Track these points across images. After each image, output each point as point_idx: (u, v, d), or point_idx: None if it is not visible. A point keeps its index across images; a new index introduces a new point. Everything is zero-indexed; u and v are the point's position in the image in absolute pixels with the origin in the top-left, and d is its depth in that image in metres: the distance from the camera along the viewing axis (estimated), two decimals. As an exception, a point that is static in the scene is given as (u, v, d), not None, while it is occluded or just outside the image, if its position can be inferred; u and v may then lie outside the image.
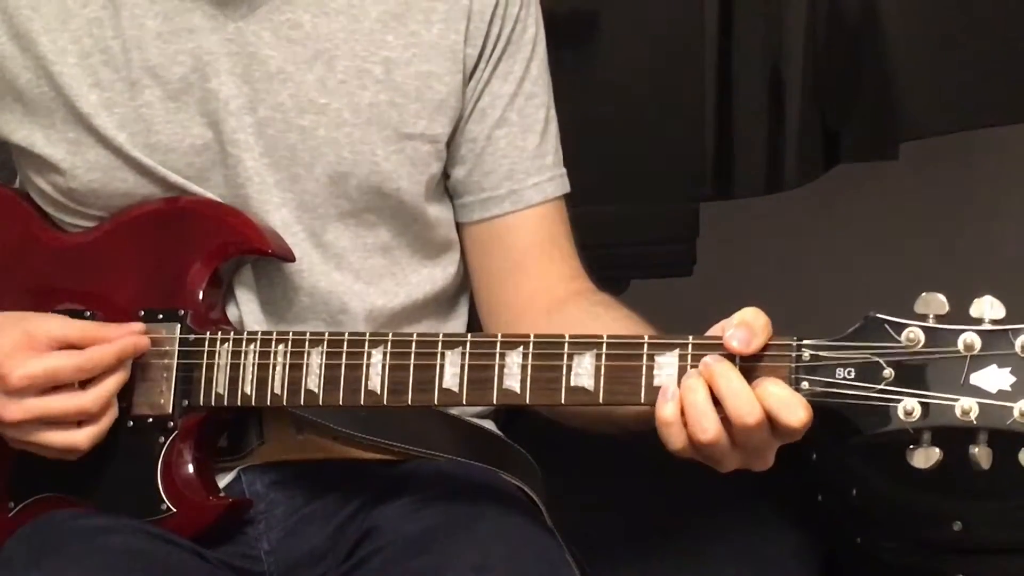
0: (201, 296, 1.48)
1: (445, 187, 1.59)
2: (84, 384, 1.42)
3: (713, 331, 1.31)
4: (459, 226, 1.60)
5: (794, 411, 1.25)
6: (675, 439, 1.28)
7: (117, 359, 1.42)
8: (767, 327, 1.28)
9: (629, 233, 2.15)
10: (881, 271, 2.69)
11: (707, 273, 2.22)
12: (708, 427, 1.26)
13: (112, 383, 1.42)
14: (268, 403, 1.43)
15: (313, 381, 1.41)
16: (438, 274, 1.59)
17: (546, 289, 1.56)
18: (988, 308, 1.22)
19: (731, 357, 1.28)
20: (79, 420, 1.41)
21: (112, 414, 1.43)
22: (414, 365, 1.38)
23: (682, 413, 1.28)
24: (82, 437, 1.42)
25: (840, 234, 2.94)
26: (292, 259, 1.50)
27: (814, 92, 2.21)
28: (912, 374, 1.23)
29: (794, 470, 2.52)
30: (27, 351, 1.40)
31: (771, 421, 1.26)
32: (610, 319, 1.47)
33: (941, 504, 2.27)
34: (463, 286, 1.62)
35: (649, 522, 2.65)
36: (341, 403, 1.40)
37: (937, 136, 2.34)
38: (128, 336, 1.44)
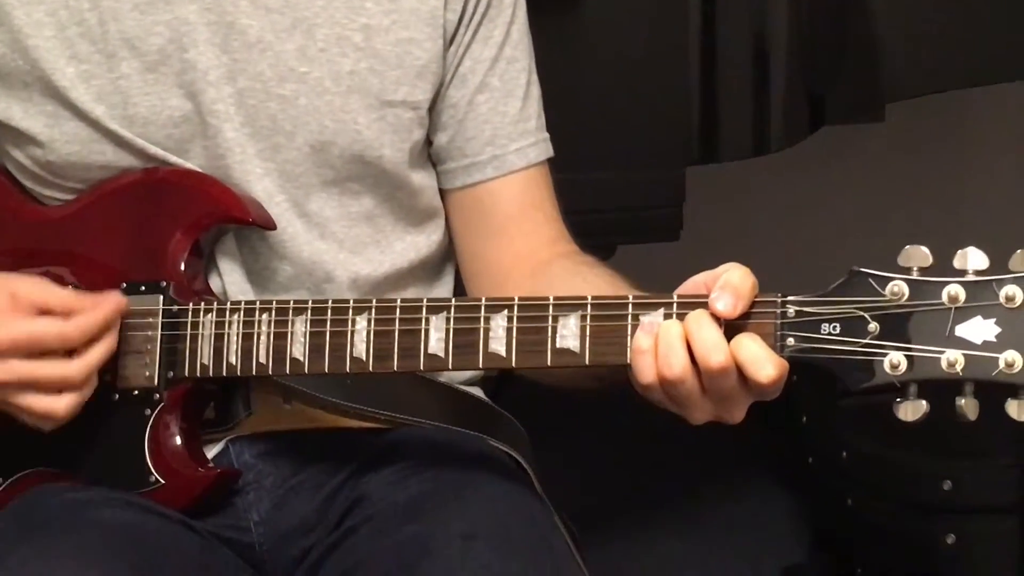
0: (183, 267, 1.48)
1: (428, 154, 1.59)
2: (70, 352, 1.41)
3: (695, 282, 1.31)
4: (442, 192, 1.59)
5: (763, 367, 1.25)
6: (646, 371, 1.28)
7: (101, 328, 1.42)
8: (754, 289, 1.28)
9: (616, 198, 2.15)
10: (868, 233, 2.69)
11: (694, 237, 2.22)
12: (675, 363, 1.26)
13: (98, 353, 1.42)
14: (254, 372, 1.43)
15: (298, 349, 1.41)
16: (422, 241, 1.58)
17: (530, 252, 1.56)
18: (972, 259, 1.22)
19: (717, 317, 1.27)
20: (60, 388, 1.41)
21: (92, 384, 1.42)
22: (399, 331, 1.37)
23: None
24: (62, 405, 1.41)
25: (827, 196, 2.94)
26: (273, 227, 1.49)
27: (799, 54, 2.20)
28: (897, 327, 1.23)
29: (784, 434, 2.54)
30: (12, 313, 1.40)
31: (741, 374, 1.26)
32: (594, 277, 1.47)
33: (931, 464, 2.28)
34: (448, 253, 1.62)
35: (640, 489, 2.66)
36: (327, 371, 1.40)
37: (922, 96, 2.33)
38: (112, 305, 1.43)
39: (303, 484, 1.52)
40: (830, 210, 2.94)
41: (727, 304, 1.27)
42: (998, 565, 2.25)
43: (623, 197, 2.16)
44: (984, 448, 2.26)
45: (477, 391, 1.61)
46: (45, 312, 1.41)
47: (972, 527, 2.26)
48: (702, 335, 1.26)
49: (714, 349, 1.26)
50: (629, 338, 1.30)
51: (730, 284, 1.28)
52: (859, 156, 2.85)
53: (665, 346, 1.27)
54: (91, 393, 1.42)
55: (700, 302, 1.29)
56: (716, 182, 2.34)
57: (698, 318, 1.27)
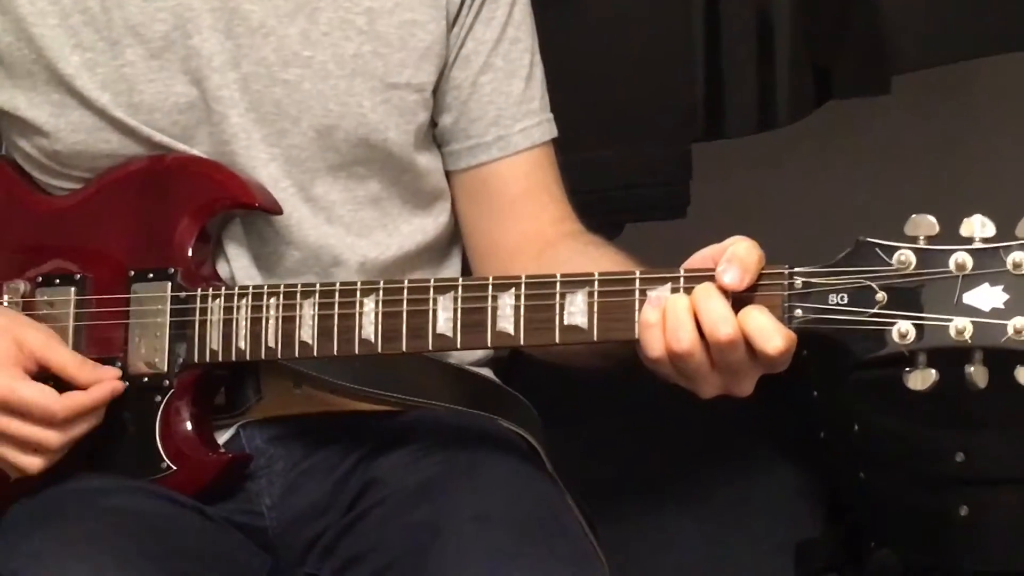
0: (190, 253, 1.48)
1: (433, 136, 1.58)
2: None
3: (702, 255, 1.31)
4: (448, 174, 1.59)
5: (771, 338, 1.25)
6: (654, 345, 1.28)
7: (89, 411, 1.42)
8: (760, 261, 1.28)
9: (622, 177, 2.15)
10: (876, 206, 2.68)
11: (702, 214, 2.21)
12: (683, 337, 1.26)
13: (80, 429, 1.42)
14: (263, 357, 1.43)
15: (307, 332, 1.41)
16: (429, 224, 1.58)
17: (536, 233, 1.55)
18: (978, 227, 1.22)
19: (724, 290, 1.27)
20: (35, 450, 1.41)
21: (67, 448, 1.43)
22: (407, 312, 1.37)
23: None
24: (35, 464, 1.41)
25: (834, 170, 2.93)
26: (279, 212, 1.49)
27: (803, 28, 2.20)
28: (905, 296, 1.23)
29: (795, 409, 2.54)
30: (10, 366, 1.40)
31: (749, 346, 1.26)
32: (600, 256, 1.47)
33: (943, 436, 2.28)
34: (455, 235, 1.62)
35: (652, 467, 2.66)
36: (336, 353, 1.40)
37: (929, 68, 2.33)
38: (107, 390, 1.43)
39: (315, 468, 1.52)
40: (837, 184, 2.94)
41: (734, 276, 1.27)
42: (1012, 536, 2.25)
43: (629, 175, 2.16)
44: (996, 419, 2.25)
45: (488, 372, 1.61)
46: (43, 369, 1.42)
47: (985, 498, 2.26)
48: (710, 307, 1.26)
49: (722, 321, 1.26)
50: (637, 313, 1.30)
51: (736, 256, 1.27)
52: (865, 130, 2.85)
53: (673, 320, 1.27)
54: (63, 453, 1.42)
55: (707, 276, 1.29)
56: (723, 158, 2.34)
57: (705, 291, 1.27)
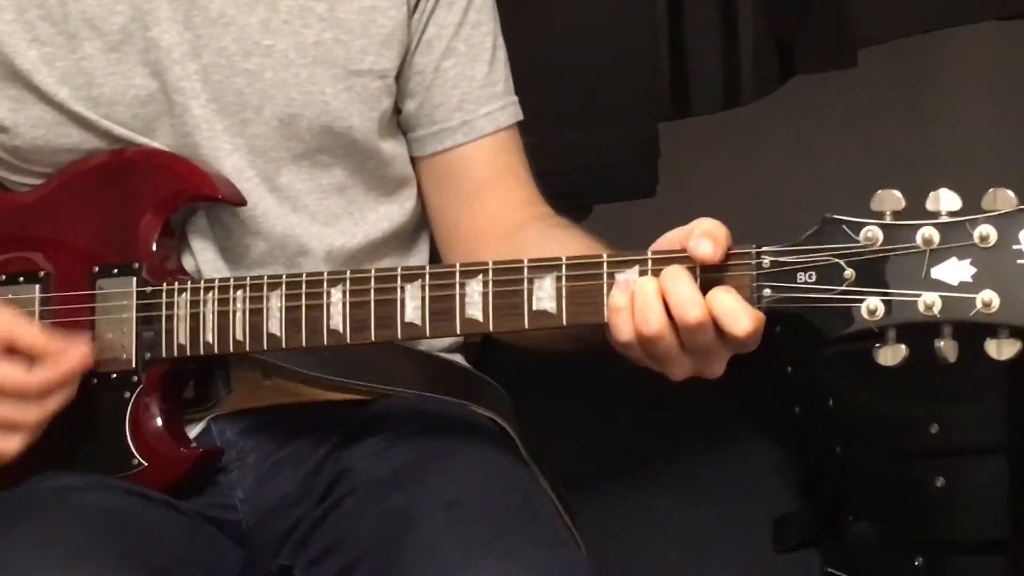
0: (154, 247, 1.47)
1: (397, 122, 1.58)
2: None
3: (668, 238, 1.31)
4: (413, 160, 1.59)
5: (739, 320, 1.25)
6: (623, 328, 1.28)
7: (62, 383, 1.40)
8: (727, 238, 1.28)
9: (589, 159, 2.15)
10: (845, 181, 2.68)
11: (670, 194, 2.21)
12: (652, 320, 1.26)
13: (55, 403, 1.40)
14: (231, 350, 1.42)
15: (275, 324, 1.40)
16: (396, 211, 1.58)
17: (504, 216, 1.55)
18: (944, 201, 1.21)
19: (692, 269, 1.27)
20: (12, 429, 1.39)
21: (43, 427, 1.41)
22: (375, 301, 1.37)
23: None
24: (12, 445, 1.39)
25: (802, 146, 2.94)
26: (243, 203, 1.48)
27: (766, 3, 2.20)
28: (873, 273, 1.23)
29: (770, 385, 2.55)
30: None
31: (718, 328, 1.26)
32: (568, 239, 1.47)
33: (917, 408, 2.29)
34: (422, 221, 1.61)
35: (627, 447, 2.67)
36: (304, 344, 1.39)
37: (893, 40, 2.33)
38: (77, 359, 1.41)
39: (286, 459, 1.52)
40: (805, 160, 2.94)
41: (707, 248, 1.26)
42: (988, 505, 2.26)
43: (597, 157, 2.16)
44: (969, 390, 2.26)
45: (459, 358, 1.61)
46: (11, 350, 1.40)
47: (961, 469, 2.27)
48: (678, 290, 1.26)
49: (689, 304, 1.25)
50: (605, 297, 1.30)
51: (707, 231, 1.27)
52: (832, 104, 2.85)
53: (641, 303, 1.27)
54: (40, 434, 1.41)
55: (675, 258, 1.28)
56: (689, 137, 2.33)
57: (673, 273, 1.27)
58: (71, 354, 1.41)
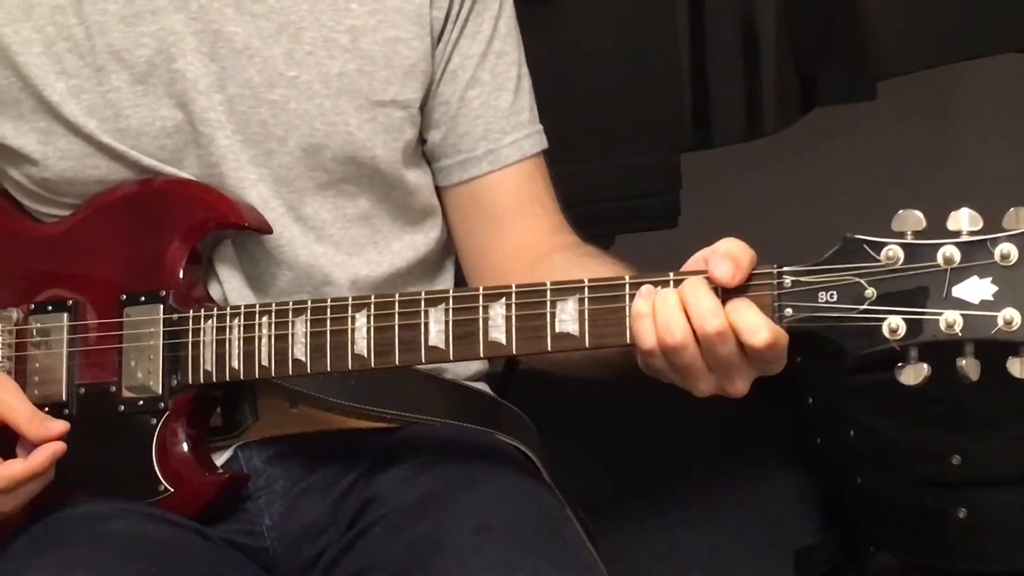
0: (181, 275, 1.48)
1: (422, 152, 1.59)
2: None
3: (695, 258, 1.31)
4: (439, 190, 1.59)
5: (758, 332, 1.25)
6: (646, 335, 1.28)
7: (28, 479, 1.41)
8: (752, 261, 1.28)
9: (612, 188, 2.16)
10: (866, 211, 2.67)
11: (692, 224, 2.21)
12: (675, 329, 1.26)
13: (25, 495, 1.41)
14: (256, 376, 1.43)
15: (300, 350, 1.41)
16: (420, 240, 1.58)
17: (530, 245, 1.55)
18: (965, 220, 1.22)
19: (714, 288, 1.27)
20: None
21: (19, 510, 1.43)
22: (399, 325, 1.37)
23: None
24: None
25: (822, 177, 2.94)
26: (269, 231, 1.49)
27: (788, 36, 2.21)
28: (894, 292, 1.23)
29: (791, 416, 2.54)
30: None
31: (739, 341, 1.25)
32: (597, 266, 1.46)
33: (939, 439, 2.28)
34: (447, 250, 1.62)
35: (650, 476, 2.66)
36: (329, 369, 1.40)
37: (913, 72, 2.34)
38: (42, 456, 1.41)
39: (313, 487, 1.52)
40: (826, 191, 2.94)
41: (726, 270, 1.26)
42: (1010, 536, 2.25)
43: (619, 186, 2.16)
44: (991, 420, 2.25)
45: (483, 386, 1.61)
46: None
47: (983, 500, 2.25)
48: (698, 301, 1.26)
49: (709, 314, 1.25)
50: (628, 318, 1.30)
51: (728, 253, 1.27)
52: (852, 135, 2.85)
53: (664, 313, 1.27)
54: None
55: (696, 276, 1.28)
56: (711, 168, 2.34)
57: (693, 285, 1.27)
58: (39, 452, 1.41)
